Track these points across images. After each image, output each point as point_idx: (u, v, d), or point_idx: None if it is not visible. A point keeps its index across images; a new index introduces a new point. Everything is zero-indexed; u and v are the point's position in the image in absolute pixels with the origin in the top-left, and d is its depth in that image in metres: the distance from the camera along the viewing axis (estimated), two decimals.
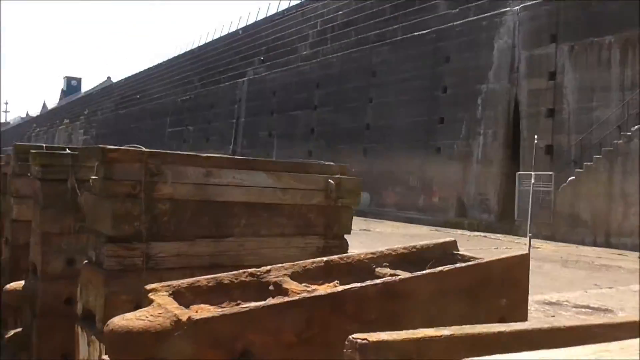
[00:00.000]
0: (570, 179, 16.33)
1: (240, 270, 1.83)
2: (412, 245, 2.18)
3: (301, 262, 1.94)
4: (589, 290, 7.83)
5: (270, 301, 1.59)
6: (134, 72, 65.09)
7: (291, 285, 1.76)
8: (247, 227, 2.60)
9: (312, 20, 33.79)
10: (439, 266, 2.07)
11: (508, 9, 19.72)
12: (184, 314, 1.46)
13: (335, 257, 2.02)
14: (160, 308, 1.51)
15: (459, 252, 2.23)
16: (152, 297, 1.61)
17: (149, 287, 1.66)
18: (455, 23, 21.52)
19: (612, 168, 15.33)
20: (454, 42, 21.36)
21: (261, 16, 41.84)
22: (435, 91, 21.96)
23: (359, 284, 1.71)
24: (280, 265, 1.90)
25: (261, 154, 31.62)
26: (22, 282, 3.18)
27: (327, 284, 1.92)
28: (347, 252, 2.91)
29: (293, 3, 37.99)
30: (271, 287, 1.78)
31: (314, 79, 28.71)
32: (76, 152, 3.08)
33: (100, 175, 2.29)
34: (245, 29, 42.61)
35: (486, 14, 20.38)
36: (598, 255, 12.84)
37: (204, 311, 1.55)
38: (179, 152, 2.53)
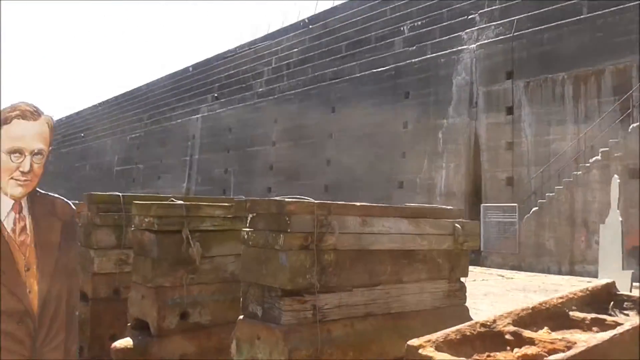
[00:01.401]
0: (533, 209, 16.99)
1: (473, 322, 1.86)
2: (585, 287, 2.26)
3: (515, 310, 1.98)
4: None
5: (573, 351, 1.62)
6: (76, 111, 63.36)
7: (531, 334, 1.80)
8: (391, 275, 2.62)
9: (266, 58, 34.11)
10: (615, 307, 2.17)
11: (465, 47, 20.62)
12: None
13: (536, 303, 2.07)
14: None
15: (621, 293, 2.34)
16: (423, 352, 1.62)
17: (413, 343, 1.66)
18: (413, 60, 22.27)
19: (573, 198, 16.08)
20: (413, 79, 22.06)
21: (212, 53, 41.89)
22: (396, 126, 22.50)
23: (606, 334, 1.77)
24: (500, 314, 1.93)
25: (217, 192, 31.30)
26: (128, 339, 3.03)
27: (539, 330, 1.97)
28: (466, 296, 2.98)
29: (245, 41, 38.27)
30: (508, 337, 1.82)
31: (271, 115, 28.83)
32: (187, 203, 3.01)
33: (273, 227, 2.27)
34: (196, 65, 42.47)
35: (444, 52, 21.21)
36: (571, 283, 13.34)
37: None
38: (339, 202, 2.53)
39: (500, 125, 19.19)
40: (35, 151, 1.65)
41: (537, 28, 18.49)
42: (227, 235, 3.11)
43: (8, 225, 1.65)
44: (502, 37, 19.64)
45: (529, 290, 11.73)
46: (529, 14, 19.18)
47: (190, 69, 42.89)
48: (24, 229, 1.65)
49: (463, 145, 20.15)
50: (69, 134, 55.53)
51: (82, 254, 3.57)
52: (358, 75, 24.81)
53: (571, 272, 15.57)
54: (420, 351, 1.63)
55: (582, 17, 17.60)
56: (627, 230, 14.49)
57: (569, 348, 1.67)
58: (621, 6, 16.53)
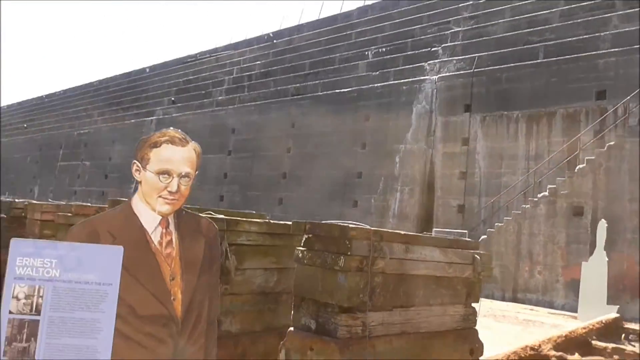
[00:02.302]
0: (482, 237, 17.70)
1: (524, 345, 2.14)
2: (600, 320, 2.59)
3: (552, 336, 2.28)
4: None
5: None
6: (19, 100, 61.10)
7: (574, 358, 2.10)
8: (423, 298, 2.89)
9: (227, 67, 34.11)
10: (625, 339, 2.51)
11: (427, 77, 21.39)
12: None
13: (566, 332, 2.38)
14: None
15: (627, 326, 2.68)
16: None
17: None
18: (376, 85, 22.88)
19: (520, 229, 16.90)
20: (375, 102, 22.66)
21: (171, 57, 41.43)
22: (354, 147, 22.99)
23: None
24: (542, 340, 2.23)
25: None
26: None
27: (572, 356, 2.27)
28: (476, 320, 3.28)
29: (207, 47, 38.11)
30: (554, 359, 2.11)
31: (229, 125, 28.85)
32: (227, 217, 3.19)
33: (332, 249, 2.49)
34: (154, 67, 41.91)
35: (406, 80, 21.92)
36: (516, 310, 14.02)
37: None
38: (386, 229, 2.78)
39: (456, 155, 19.96)
40: (183, 174, 1.82)
41: (496, 67, 19.43)
42: (258, 250, 3.30)
43: (155, 238, 1.82)
44: (462, 71, 20.51)
45: (480, 314, 12.27)
46: (490, 52, 20.15)
47: (147, 69, 42.27)
48: (170, 242, 1.81)
49: (418, 171, 20.82)
50: (11, 124, 53.45)
51: None
52: (320, 93, 25.23)
53: (514, 300, 16.32)
54: None
55: (538, 61, 18.64)
56: (568, 264, 15.45)
57: None
58: (575, 55, 17.64)
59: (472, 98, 19.82)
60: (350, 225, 2.50)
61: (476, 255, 3.15)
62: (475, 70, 19.98)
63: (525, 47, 19.43)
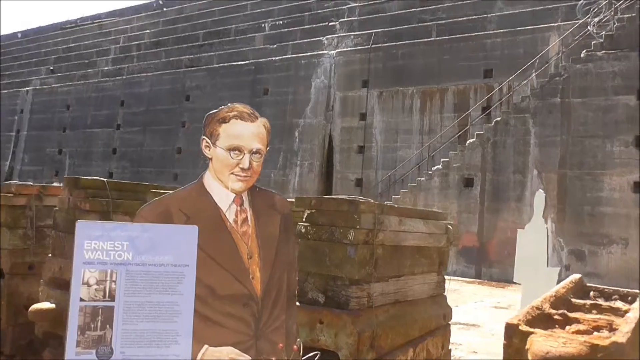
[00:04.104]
0: None
1: (529, 306, 2.34)
2: (570, 280, 2.87)
3: (546, 296, 2.51)
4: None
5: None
6: None
7: (575, 315, 2.34)
8: (410, 267, 3.03)
9: (112, 35, 32.19)
10: (599, 296, 2.83)
11: (325, 52, 21.62)
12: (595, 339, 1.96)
13: (553, 292, 2.63)
14: (554, 338, 1.99)
15: (590, 285, 3.00)
16: (522, 329, 2.06)
17: (512, 321, 2.09)
18: (274, 58, 22.77)
19: (416, 201, 17.80)
20: (273, 76, 22.57)
21: (46, 22, 38.24)
22: None
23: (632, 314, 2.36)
24: (540, 300, 2.45)
25: (48, 173, 28.93)
26: None
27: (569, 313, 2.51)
28: (445, 287, 3.51)
29: (87, 14, 35.61)
30: (557, 317, 2.33)
31: (117, 97, 27.40)
32: None
33: (339, 223, 2.55)
34: (26, 33, 38.52)
35: (305, 54, 22.02)
36: None
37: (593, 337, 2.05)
38: (388, 202, 2.86)
39: (354, 130, 20.50)
40: (254, 150, 1.76)
41: (392, 44, 20.08)
42: None
43: (230, 216, 1.74)
44: (360, 47, 20.97)
45: None
46: (386, 29, 20.75)
47: (19, 35, 38.78)
48: (245, 220, 1.75)
49: (318, 146, 21.14)
50: None
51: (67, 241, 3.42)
52: (216, 66, 24.66)
53: None
54: (520, 328, 2.07)
55: (432, 39, 19.52)
56: (461, 233, 16.55)
57: (610, 325, 2.23)
58: (465, 34, 18.68)
59: (369, 73, 20.36)
60: (360, 200, 2.57)
61: (449, 226, 3.35)
62: (372, 46, 20.51)
63: (419, 25, 20.23)
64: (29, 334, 3.79)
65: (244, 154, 1.74)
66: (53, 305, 3.29)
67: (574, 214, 14.83)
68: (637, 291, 3.04)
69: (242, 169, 1.73)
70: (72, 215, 3.42)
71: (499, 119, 16.62)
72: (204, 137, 1.83)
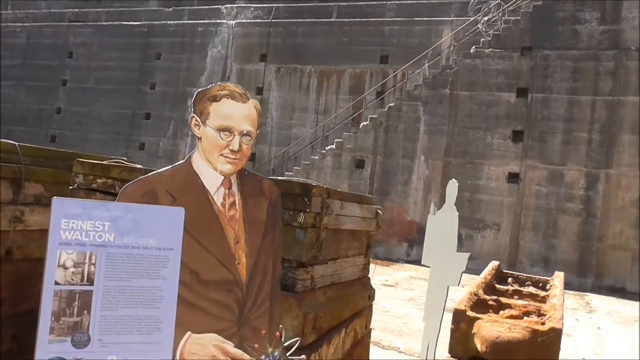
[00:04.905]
0: None
1: (468, 292, 2.48)
2: (492, 268, 3.08)
3: (477, 283, 2.67)
4: None
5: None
6: None
7: (507, 301, 2.51)
8: (345, 250, 3.08)
9: None
10: (515, 282, 3.06)
11: (224, 21, 21.06)
12: (534, 325, 2.12)
13: (481, 279, 2.80)
14: (500, 324, 2.13)
15: (506, 271, 3.23)
16: (468, 314, 2.19)
17: (460, 307, 2.21)
18: (169, 22, 21.80)
19: (308, 178, 18.05)
20: (167, 41, 21.63)
21: None
22: (142, 86, 21.78)
23: (556, 299, 2.57)
24: (475, 286, 2.60)
25: None
26: None
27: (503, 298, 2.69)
28: (369, 269, 3.61)
29: None
30: (491, 302, 2.50)
31: None
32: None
33: (290, 206, 2.53)
34: None
35: (202, 21, 21.30)
36: None
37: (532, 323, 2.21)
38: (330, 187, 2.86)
39: None
40: (244, 132, 1.66)
41: (292, 20, 19.99)
42: None
43: (218, 199, 1.64)
44: (260, 20, 20.65)
45: None
46: (287, 4, 20.58)
47: None
48: (233, 204, 1.65)
49: None
50: None
51: None
52: (105, 23, 23.13)
53: None
54: (467, 314, 2.19)
55: (332, 20, 19.68)
56: None
57: (538, 310, 2.43)
58: (364, 19, 19.05)
59: (268, 48, 20.16)
60: (312, 183, 2.55)
61: (378, 211, 3.44)
62: (273, 20, 20.29)
63: (320, 4, 20.28)
64: None
65: (234, 135, 1.66)
66: None
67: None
68: (547, 278, 3.34)
69: (232, 151, 1.65)
70: None
71: (392, 104, 17.22)
72: (194, 115, 1.72)
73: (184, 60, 21.23)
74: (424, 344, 4.34)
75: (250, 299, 1.64)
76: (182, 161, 1.74)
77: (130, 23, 22.39)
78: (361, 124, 17.54)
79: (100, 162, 2.84)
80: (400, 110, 17.01)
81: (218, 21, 21.14)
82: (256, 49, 20.31)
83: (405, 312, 8.06)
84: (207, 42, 21.01)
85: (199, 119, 1.70)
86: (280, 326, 1.68)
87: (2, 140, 3.18)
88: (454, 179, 4.38)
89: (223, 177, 1.68)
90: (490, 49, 16.07)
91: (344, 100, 18.83)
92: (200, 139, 1.70)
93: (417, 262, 14.92)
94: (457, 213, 4.35)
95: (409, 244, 16.45)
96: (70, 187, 2.85)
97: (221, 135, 1.65)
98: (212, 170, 1.66)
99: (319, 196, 2.57)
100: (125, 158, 3.24)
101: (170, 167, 1.72)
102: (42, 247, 3.33)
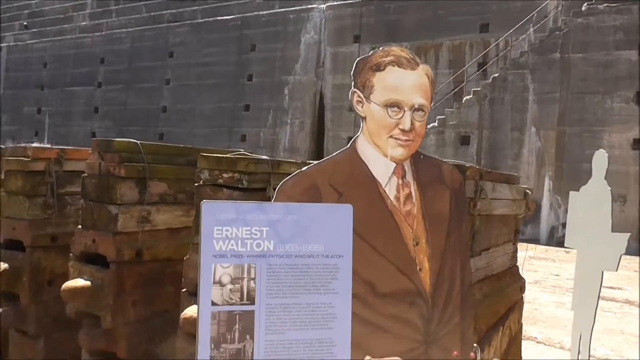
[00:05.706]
0: None
1: None
2: None
3: None
4: None
5: None
6: None
7: None
8: (495, 239, 2.72)
9: None
10: None
11: (315, 5, 20.87)
12: None
13: None
14: None
15: None
16: None
17: None
18: (262, 12, 21.95)
19: None
20: (261, 32, 21.80)
21: None
22: (240, 78, 22.15)
23: None
24: None
25: (27, 133, 28.02)
26: None
27: None
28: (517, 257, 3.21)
29: None
30: None
31: (97, 54, 26.34)
32: (270, 159, 2.74)
33: None
34: None
35: (293, 8, 21.24)
36: None
37: None
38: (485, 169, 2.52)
39: (345, 87, 19.92)
40: (416, 106, 1.38)
41: None
42: None
43: (390, 192, 1.38)
44: (350, 1, 20.25)
45: None
46: None
47: None
48: (408, 197, 1.38)
49: (309, 103, 20.63)
50: None
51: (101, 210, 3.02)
52: (201, 21, 23.73)
53: None
54: None
55: None
56: None
57: None
58: None
59: (361, 29, 19.75)
60: (466, 165, 2.22)
61: (527, 191, 3.04)
62: (363, 0, 19.82)
63: None
64: (53, 312, 3.44)
65: (404, 111, 1.36)
66: (88, 283, 2.92)
67: (572, 171, 14.69)
68: None
69: (403, 131, 1.35)
70: (105, 182, 3.03)
71: (496, 75, 16.28)
72: (355, 89, 1.43)
73: (278, 50, 21.31)
74: (574, 335, 3.88)
75: (436, 312, 1.33)
76: (344, 148, 1.46)
77: (224, 18, 22.81)
78: (464, 99, 16.74)
79: (224, 155, 2.66)
80: (506, 80, 16.03)
81: (309, 6, 20.99)
82: (349, 31, 19.96)
83: (534, 296, 7.48)
84: (300, 29, 20.94)
85: (361, 94, 1.41)
86: (475, 345, 1.37)
87: (125, 139, 3.11)
88: (602, 149, 3.84)
89: (395, 164, 1.38)
90: (605, 4, 14.69)
91: (444, 75, 18.04)
92: (364, 118, 1.41)
93: (533, 240, 14.03)
94: (610, 188, 3.82)
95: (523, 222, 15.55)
96: (196, 184, 2.69)
97: (389, 112, 1.35)
98: (382, 157, 1.37)
99: (472, 179, 2.23)
100: (242, 150, 3.05)
101: (331, 156, 1.44)
102: (170, 247, 3.25)
